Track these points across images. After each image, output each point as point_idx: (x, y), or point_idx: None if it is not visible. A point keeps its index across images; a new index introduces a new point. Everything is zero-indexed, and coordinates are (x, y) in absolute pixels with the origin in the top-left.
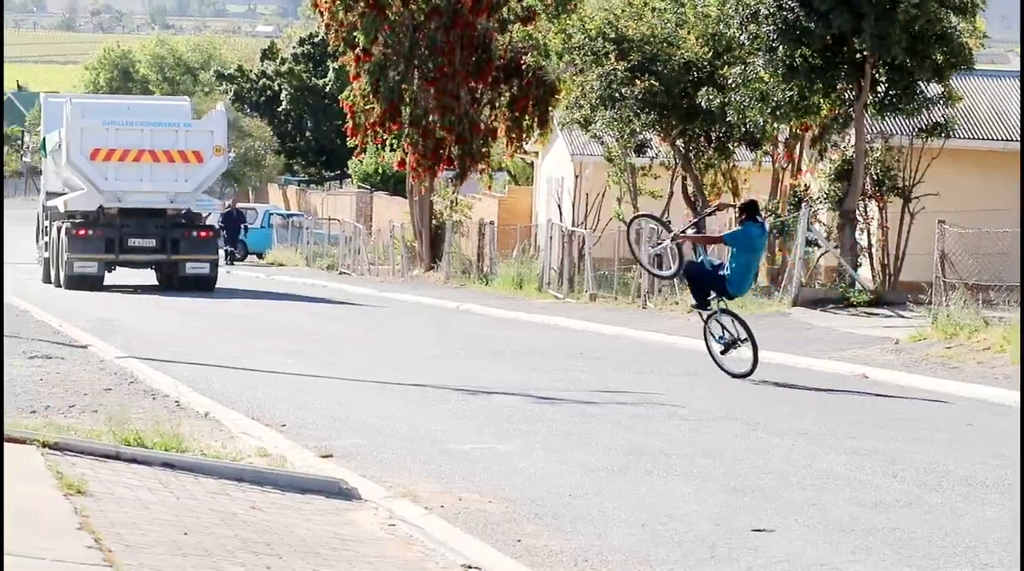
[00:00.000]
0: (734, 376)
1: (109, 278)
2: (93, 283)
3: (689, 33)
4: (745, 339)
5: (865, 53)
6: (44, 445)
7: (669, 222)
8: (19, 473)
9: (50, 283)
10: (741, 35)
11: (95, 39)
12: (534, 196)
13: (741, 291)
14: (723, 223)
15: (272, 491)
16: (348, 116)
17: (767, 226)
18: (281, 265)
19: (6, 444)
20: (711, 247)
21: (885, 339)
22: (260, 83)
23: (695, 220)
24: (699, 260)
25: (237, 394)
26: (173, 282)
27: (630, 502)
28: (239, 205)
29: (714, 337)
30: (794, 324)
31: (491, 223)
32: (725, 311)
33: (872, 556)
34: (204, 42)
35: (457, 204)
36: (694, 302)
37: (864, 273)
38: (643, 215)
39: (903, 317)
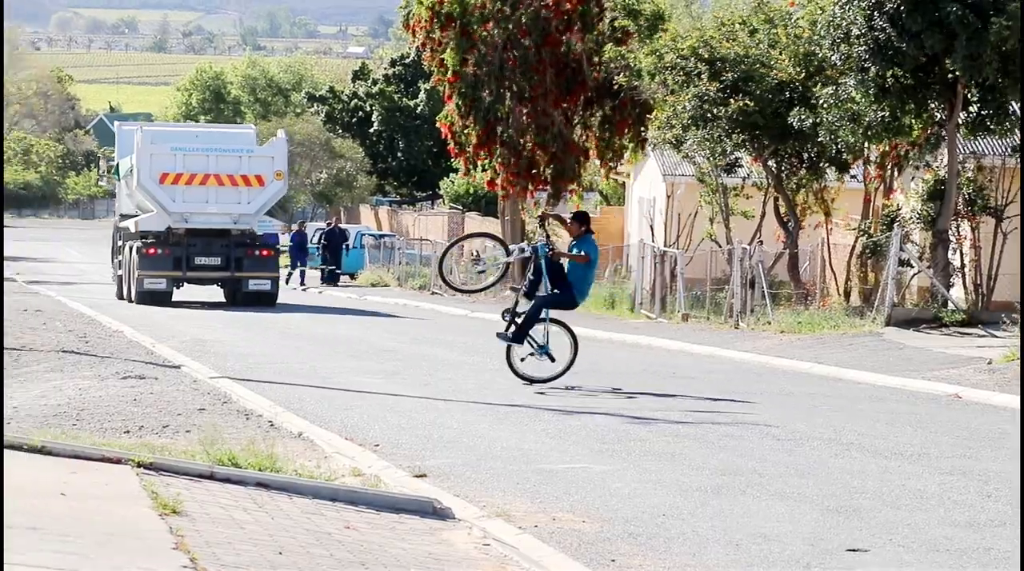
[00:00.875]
0: (531, 380)
1: (177, 294)
2: (162, 299)
3: (781, 54)
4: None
5: (957, 73)
6: (139, 465)
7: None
8: (115, 493)
9: (123, 299)
10: (833, 55)
11: (187, 60)
12: (626, 216)
13: (584, 300)
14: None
15: (366, 511)
16: (448, 137)
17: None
18: (373, 285)
19: (102, 463)
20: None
21: (978, 359)
22: (351, 104)
23: (544, 234)
24: (543, 289)
25: (330, 414)
26: (237, 298)
27: (724, 522)
28: (340, 225)
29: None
30: (887, 344)
31: None
32: (553, 320)
33: None
34: (295, 63)
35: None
36: (512, 337)
37: (957, 293)
38: (468, 237)
39: (996, 337)
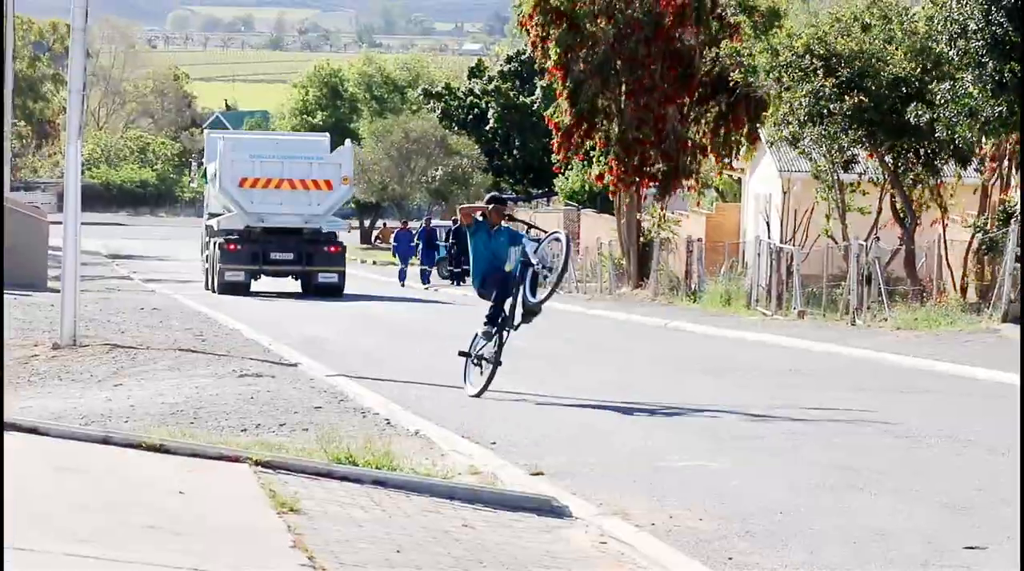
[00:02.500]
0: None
1: (255, 286)
2: (241, 289)
3: (897, 49)
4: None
5: None
6: (256, 463)
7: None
8: (232, 491)
9: (209, 289)
10: (950, 51)
11: (302, 58)
12: (741, 213)
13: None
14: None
15: (483, 509)
16: (554, 132)
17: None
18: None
19: (219, 461)
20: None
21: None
22: (467, 101)
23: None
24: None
25: (446, 412)
26: (309, 289)
27: (841, 519)
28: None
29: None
30: (1004, 341)
31: (699, 240)
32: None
33: None
34: (411, 60)
35: (665, 221)
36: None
37: None
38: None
39: None
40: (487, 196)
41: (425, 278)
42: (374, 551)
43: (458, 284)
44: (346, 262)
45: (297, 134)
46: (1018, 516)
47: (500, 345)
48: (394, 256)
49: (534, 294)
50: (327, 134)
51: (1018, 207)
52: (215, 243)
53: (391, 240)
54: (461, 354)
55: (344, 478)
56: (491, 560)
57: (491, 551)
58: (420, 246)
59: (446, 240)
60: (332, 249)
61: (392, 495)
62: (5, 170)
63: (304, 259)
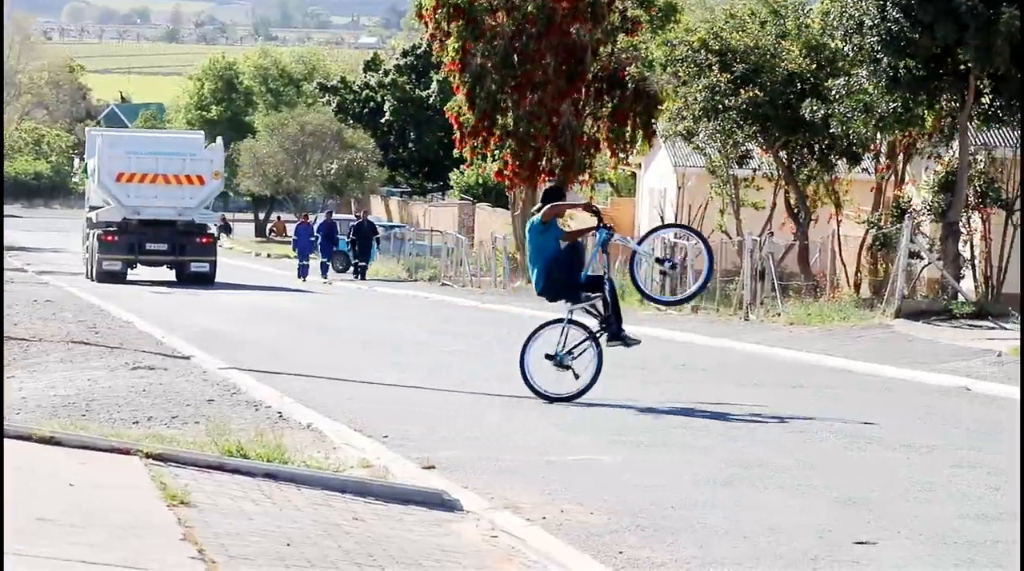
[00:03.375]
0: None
1: (132, 274)
2: (118, 278)
3: (792, 45)
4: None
5: (969, 64)
6: (147, 456)
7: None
8: (123, 484)
9: (88, 278)
10: (845, 47)
11: (199, 50)
12: (636, 207)
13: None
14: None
15: (374, 502)
16: (455, 127)
17: (534, 225)
18: (384, 277)
19: (111, 454)
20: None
21: (988, 351)
22: (363, 94)
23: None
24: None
25: (339, 405)
26: (182, 277)
27: (733, 514)
28: (369, 217)
29: None
30: (896, 336)
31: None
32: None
33: (975, 569)
34: (308, 53)
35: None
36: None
37: (967, 285)
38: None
39: (1006, 329)
40: (547, 189)
41: (324, 272)
42: (264, 544)
43: (361, 278)
44: (217, 252)
45: (172, 131)
46: (910, 511)
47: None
48: (294, 250)
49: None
50: (201, 132)
51: (913, 203)
52: (94, 234)
53: (292, 234)
54: (548, 357)
55: (235, 471)
56: (381, 553)
57: (381, 544)
58: (320, 239)
59: (348, 234)
60: (204, 240)
61: (283, 488)
62: (4, 170)
63: (177, 249)
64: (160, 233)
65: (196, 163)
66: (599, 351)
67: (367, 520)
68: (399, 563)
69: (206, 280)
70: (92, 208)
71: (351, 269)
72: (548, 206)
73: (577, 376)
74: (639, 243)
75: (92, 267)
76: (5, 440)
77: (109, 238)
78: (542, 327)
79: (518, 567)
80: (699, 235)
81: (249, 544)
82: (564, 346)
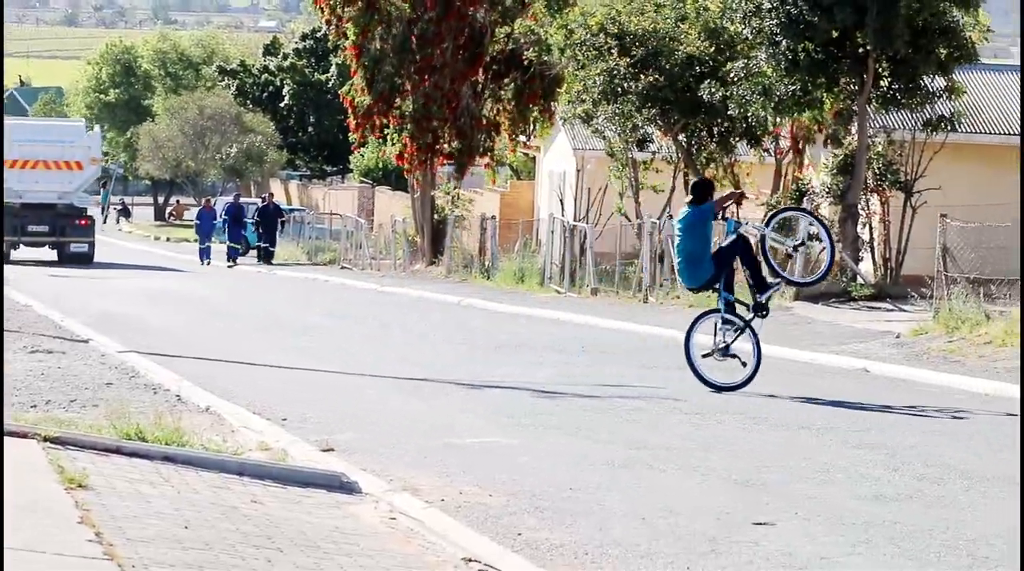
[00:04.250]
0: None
1: (16, 255)
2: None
3: (691, 28)
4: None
5: (868, 47)
6: (45, 439)
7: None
8: (20, 467)
9: None
10: (744, 29)
11: (98, 34)
12: (536, 191)
13: (681, 278)
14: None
15: (273, 485)
16: (349, 110)
17: (704, 209)
18: (284, 261)
19: (7, 438)
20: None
21: (886, 333)
22: (263, 78)
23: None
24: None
25: (238, 388)
26: (63, 257)
27: (631, 496)
28: (274, 200)
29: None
30: (796, 318)
31: (493, 218)
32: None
33: (872, 549)
34: (207, 37)
35: (458, 199)
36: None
37: (866, 267)
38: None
39: (904, 311)
40: (697, 181)
41: (232, 255)
42: (162, 527)
43: (266, 262)
44: (95, 233)
45: (54, 119)
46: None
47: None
48: (196, 233)
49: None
50: (82, 120)
51: (812, 185)
52: None
53: (195, 218)
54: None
55: (133, 454)
56: (280, 536)
57: (280, 527)
58: (227, 223)
59: (253, 217)
60: (83, 222)
61: (181, 471)
62: (4, 169)
63: (58, 231)
64: (42, 216)
65: (75, 150)
66: (756, 337)
67: (266, 503)
68: (297, 545)
69: (85, 260)
70: None
71: (254, 252)
72: (730, 194)
73: (744, 364)
74: (767, 226)
75: None
76: None
77: None
78: (699, 319)
79: (417, 549)
80: (822, 223)
81: (147, 527)
82: (723, 337)
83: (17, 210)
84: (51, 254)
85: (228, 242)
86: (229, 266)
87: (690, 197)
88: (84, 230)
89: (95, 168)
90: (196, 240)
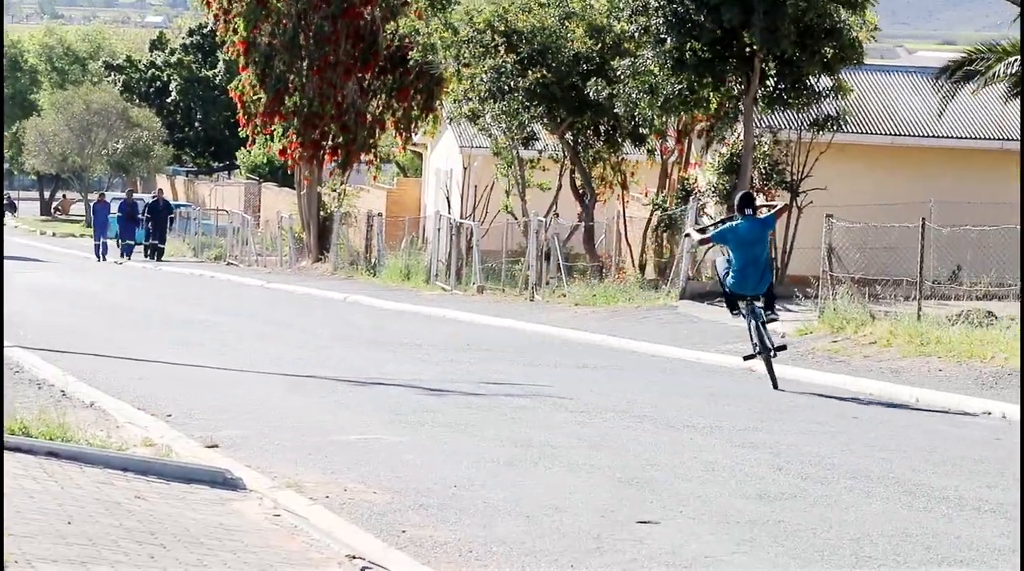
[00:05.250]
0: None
1: None
2: None
3: (577, 26)
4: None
5: (754, 47)
6: None
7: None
8: None
9: None
10: (630, 27)
11: None
12: (423, 188)
13: (743, 289)
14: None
15: (157, 481)
16: (238, 106)
17: (762, 217)
18: (170, 257)
19: None
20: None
21: (772, 333)
22: (149, 73)
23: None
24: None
25: (124, 384)
26: None
27: (516, 493)
28: (164, 196)
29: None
30: (681, 317)
31: (379, 215)
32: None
33: (757, 548)
34: (93, 32)
35: (345, 195)
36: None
37: None
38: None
39: (790, 311)
40: (745, 194)
41: (127, 252)
42: (45, 522)
43: (156, 258)
44: None
45: None
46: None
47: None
48: (92, 228)
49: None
50: None
51: (699, 184)
52: None
53: (91, 213)
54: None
55: (17, 449)
56: (163, 532)
57: (163, 523)
58: (121, 219)
59: (143, 213)
60: None
61: (65, 467)
62: (4, 169)
63: None
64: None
65: None
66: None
67: (149, 499)
68: (181, 542)
69: None
70: None
71: (141, 248)
72: (784, 206)
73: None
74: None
75: None
76: None
77: None
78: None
79: (301, 546)
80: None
81: (30, 522)
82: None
83: None
84: None
85: (121, 239)
86: (119, 262)
87: (747, 209)
88: None
89: None
90: (82, 234)
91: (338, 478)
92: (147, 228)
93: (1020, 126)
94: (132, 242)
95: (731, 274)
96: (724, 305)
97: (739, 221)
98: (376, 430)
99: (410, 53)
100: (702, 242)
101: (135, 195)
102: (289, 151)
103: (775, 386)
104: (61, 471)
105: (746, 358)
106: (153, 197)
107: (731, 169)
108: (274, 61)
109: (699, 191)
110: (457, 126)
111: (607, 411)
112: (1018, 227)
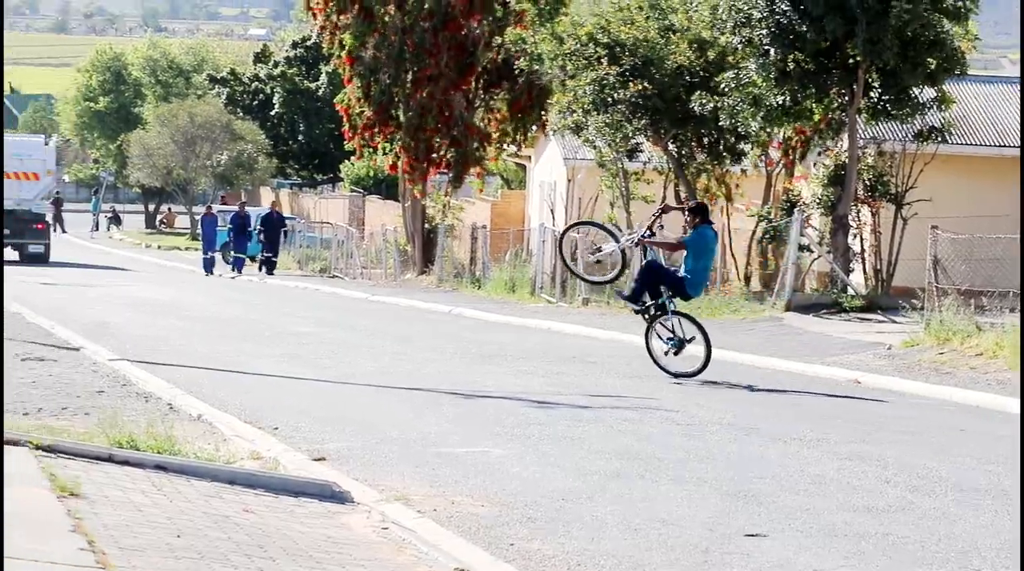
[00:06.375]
0: (678, 376)
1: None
2: None
3: (680, 38)
4: (691, 338)
5: (858, 58)
6: (37, 447)
7: (616, 227)
8: (13, 475)
9: None
10: (734, 39)
11: (88, 41)
12: (527, 200)
13: (698, 292)
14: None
15: (265, 494)
16: (344, 119)
17: (716, 229)
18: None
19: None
20: (665, 251)
21: (878, 344)
22: (253, 86)
23: (648, 224)
24: (656, 260)
25: (230, 397)
26: (22, 257)
27: (623, 506)
28: (278, 209)
29: (660, 338)
30: (787, 329)
31: (484, 227)
32: (676, 312)
33: (864, 561)
34: (197, 45)
35: (449, 208)
36: (632, 302)
37: (857, 278)
38: (582, 223)
39: (896, 322)
40: (699, 204)
41: (238, 266)
42: (154, 535)
43: (268, 272)
44: (50, 236)
45: (16, 135)
46: (798, 504)
47: None
48: (196, 240)
49: None
50: (42, 136)
51: (803, 196)
52: None
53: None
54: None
55: (125, 462)
56: (271, 545)
57: (272, 536)
58: (232, 232)
59: (256, 226)
60: (39, 226)
61: (173, 480)
62: (4, 169)
63: (17, 234)
64: (5, 221)
65: (32, 162)
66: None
67: (257, 512)
68: (289, 555)
69: (42, 259)
70: None
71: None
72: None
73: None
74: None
75: None
76: None
77: None
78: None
79: (409, 558)
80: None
81: (139, 536)
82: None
83: None
84: (13, 254)
85: (234, 253)
86: (232, 277)
87: (699, 219)
88: (40, 233)
89: (51, 179)
90: (187, 248)
91: (445, 491)
92: (260, 241)
93: (1020, 126)
94: (244, 256)
95: (689, 277)
96: (829, 317)
97: (707, 229)
98: (482, 442)
99: (517, 62)
100: (671, 247)
101: (247, 208)
102: (401, 165)
103: (674, 376)
104: (169, 484)
105: (636, 311)
106: (269, 210)
107: (836, 181)
108: (379, 74)
109: (804, 203)
110: (561, 138)
111: (714, 424)
112: None
